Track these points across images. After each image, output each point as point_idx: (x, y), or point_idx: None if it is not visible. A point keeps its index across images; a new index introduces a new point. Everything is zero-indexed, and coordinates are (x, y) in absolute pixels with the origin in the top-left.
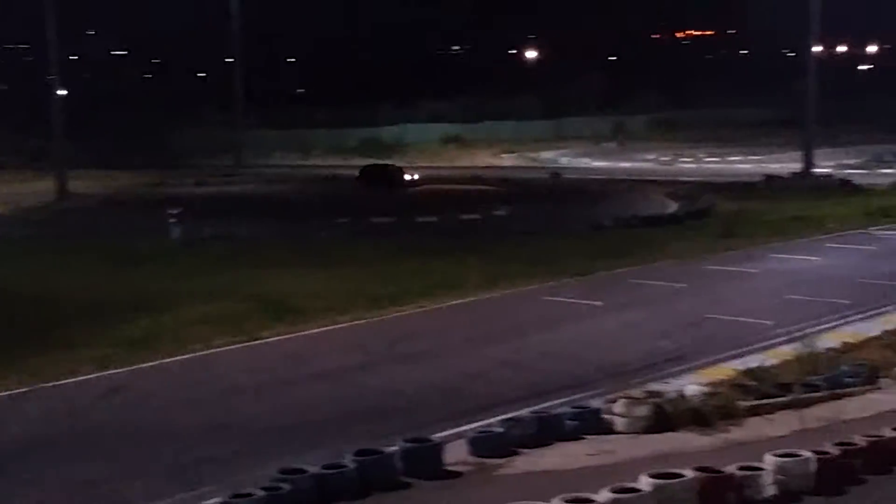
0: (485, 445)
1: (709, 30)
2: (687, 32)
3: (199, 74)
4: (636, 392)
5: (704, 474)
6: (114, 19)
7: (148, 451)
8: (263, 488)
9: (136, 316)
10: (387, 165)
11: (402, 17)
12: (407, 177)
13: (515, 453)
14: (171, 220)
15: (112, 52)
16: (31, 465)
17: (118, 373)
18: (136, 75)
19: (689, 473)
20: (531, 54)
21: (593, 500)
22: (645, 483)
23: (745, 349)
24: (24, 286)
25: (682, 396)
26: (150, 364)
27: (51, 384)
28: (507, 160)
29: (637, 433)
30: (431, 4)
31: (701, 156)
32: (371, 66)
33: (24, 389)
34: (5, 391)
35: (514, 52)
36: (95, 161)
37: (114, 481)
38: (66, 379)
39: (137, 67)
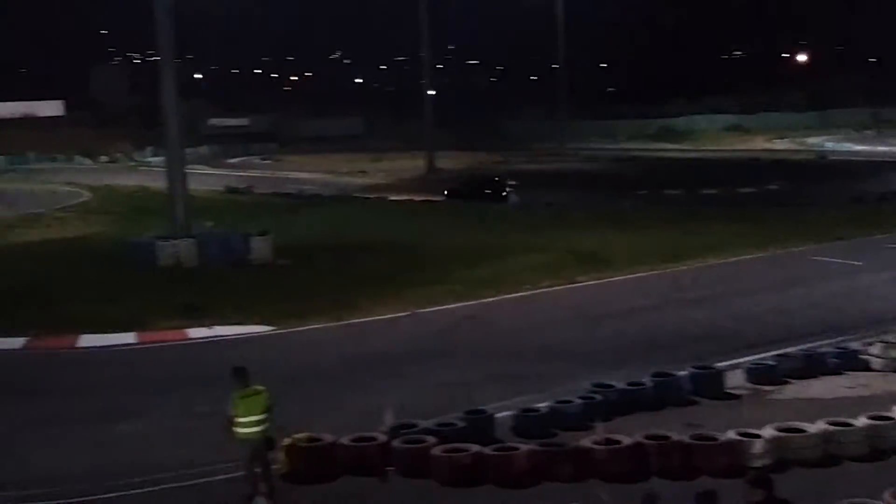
0: (759, 375)
1: None
2: None
3: (531, 78)
4: (892, 337)
5: None
6: (469, 37)
7: (492, 364)
8: (581, 397)
9: (483, 262)
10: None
11: (692, 26)
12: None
13: (785, 383)
14: (508, 190)
15: (467, 62)
16: (403, 369)
17: (471, 304)
18: (485, 79)
19: None
20: (801, 58)
21: (853, 424)
22: None
23: None
24: (403, 238)
25: None
26: (496, 298)
27: (422, 310)
28: (779, 145)
29: (892, 372)
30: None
31: None
32: (665, 67)
33: (403, 314)
34: (390, 314)
35: (786, 55)
36: (455, 144)
37: (467, 386)
38: (434, 307)
39: (485, 73)
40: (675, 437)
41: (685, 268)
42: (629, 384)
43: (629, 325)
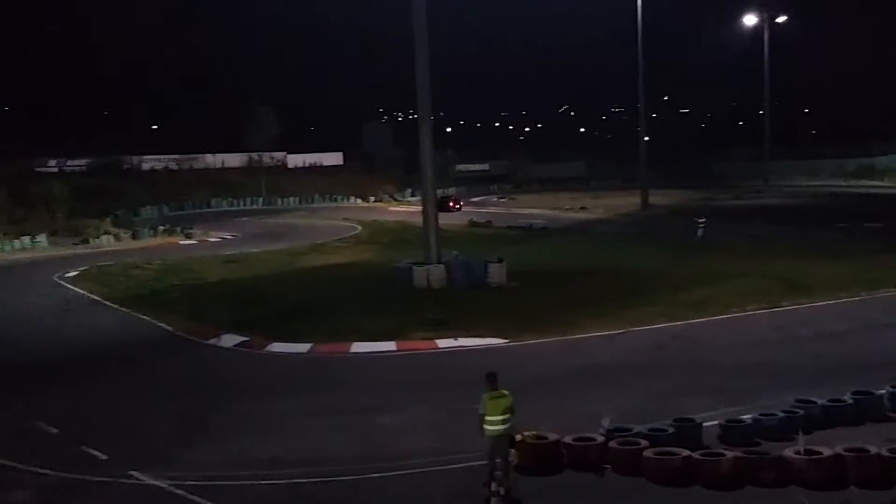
0: None
1: None
2: None
3: (739, 123)
4: None
5: None
6: (680, 88)
7: (700, 378)
8: (783, 411)
9: (691, 287)
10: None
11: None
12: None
13: None
14: (699, 225)
15: (679, 111)
16: (618, 380)
17: (680, 324)
18: (695, 125)
19: None
20: None
21: None
22: None
23: None
24: (617, 265)
25: None
26: (703, 319)
27: (635, 329)
28: None
29: None
30: None
31: None
32: (865, 110)
33: (618, 331)
34: (607, 331)
35: None
36: (666, 183)
37: (676, 395)
38: (646, 326)
39: (696, 120)
40: (873, 450)
41: (885, 294)
42: (830, 400)
43: (831, 346)
